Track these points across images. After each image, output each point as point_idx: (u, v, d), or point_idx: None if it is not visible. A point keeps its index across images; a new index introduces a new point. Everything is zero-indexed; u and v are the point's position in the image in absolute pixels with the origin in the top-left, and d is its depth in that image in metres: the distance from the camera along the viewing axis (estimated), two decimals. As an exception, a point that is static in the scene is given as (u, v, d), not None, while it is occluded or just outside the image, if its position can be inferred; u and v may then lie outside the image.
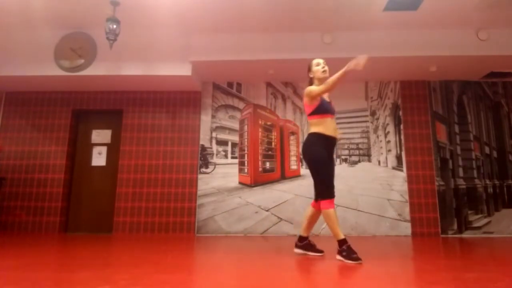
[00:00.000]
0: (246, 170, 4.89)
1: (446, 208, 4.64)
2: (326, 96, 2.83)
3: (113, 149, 5.05)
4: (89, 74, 4.45)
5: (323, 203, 2.61)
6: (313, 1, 3.75)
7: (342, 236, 2.55)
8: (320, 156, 2.67)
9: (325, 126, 2.71)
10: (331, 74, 5.21)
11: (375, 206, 4.67)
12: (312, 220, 2.86)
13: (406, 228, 4.57)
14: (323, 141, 2.70)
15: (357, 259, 2.43)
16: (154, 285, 1.71)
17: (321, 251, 2.84)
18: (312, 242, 2.88)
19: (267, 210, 4.71)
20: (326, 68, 2.81)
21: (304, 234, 2.88)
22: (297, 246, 2.91)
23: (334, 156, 4.87)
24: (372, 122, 5.05)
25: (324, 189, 2.63)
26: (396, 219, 4.61)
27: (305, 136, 5.06)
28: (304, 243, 2.87)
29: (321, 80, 2.78)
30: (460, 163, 4.81)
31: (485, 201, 4.69)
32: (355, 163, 4.98)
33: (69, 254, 2.94)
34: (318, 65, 2.82)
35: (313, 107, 2.73)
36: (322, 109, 2.71)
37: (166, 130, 4.98)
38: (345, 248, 2.51)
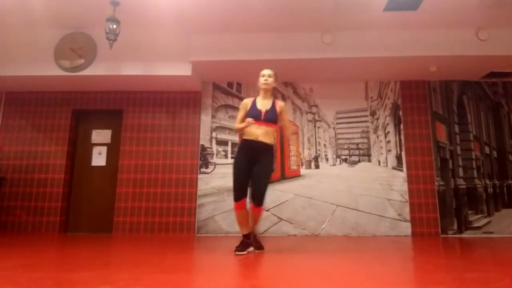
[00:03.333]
0: (246, 170, 4.88)
1: (446, 208, 4.64)
2: (261, 104, 2.95)
3: (113, 149, 5.04)
4: (89, 74, 4.45)
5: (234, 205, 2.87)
6: (313, 1, 3.75)
7: (244, 233, 2.88)
8: (235, 162, 2.92)
9: (247, 132, 2.89)
10: (330, 75, 5.16)
11: (375, 206, 4.66)
12: (251, 218, 2.94)
13: (406, 228, 4.57)
14: (242, 146, 2.94)
15: (237, 250, 2.74)
16: (154, 285, 1.71)
17: (262, 248, 2.99)
18: (257, 239, 3.02)
19: (267, 210, 4.70)
20: (269, 80, 2.96)
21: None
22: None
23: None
24: (372, 122, 5.04)
25: (233, 192, 2.87)
26: (396, 219, 4.61)
27: (305, 136, 5.07)
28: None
29: (264, 91, 2.98)
30: (460, 163, 4.81)
31: (485, 201, 4.68)
32: (355, 163, 4.97)
33: (69, 254, 2.94)
34: (263, 76, 2.98)
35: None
36: (247, 117, 2.91)
37: (166, 130, 4.98)
38: (241, 241, 2.82)
